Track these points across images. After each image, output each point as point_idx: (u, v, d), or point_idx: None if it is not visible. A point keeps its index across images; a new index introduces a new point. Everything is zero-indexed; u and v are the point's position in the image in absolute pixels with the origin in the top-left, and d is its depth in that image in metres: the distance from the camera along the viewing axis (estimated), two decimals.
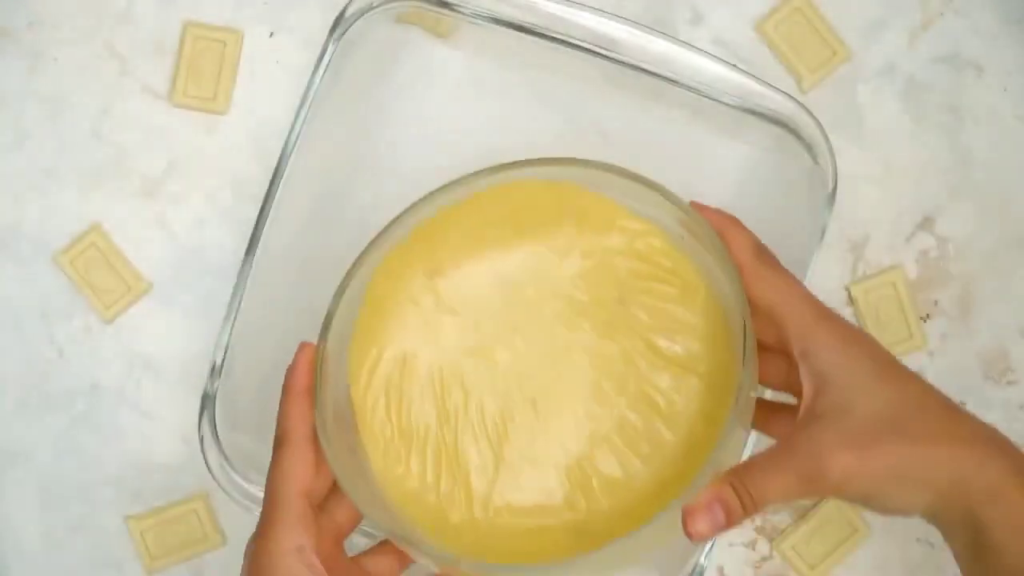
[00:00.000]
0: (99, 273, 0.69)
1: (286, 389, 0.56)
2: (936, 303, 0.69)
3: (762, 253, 0.55)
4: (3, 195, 0.70)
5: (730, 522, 0.51)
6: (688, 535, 0.51)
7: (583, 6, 0.64)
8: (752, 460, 0.52)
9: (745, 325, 0.53)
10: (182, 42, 0.69)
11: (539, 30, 0.64)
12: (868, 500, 0.51)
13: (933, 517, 0.52)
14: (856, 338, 0.53)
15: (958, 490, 0.50)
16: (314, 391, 0.56)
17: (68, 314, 0.70)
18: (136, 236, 0.70)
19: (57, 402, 0.70)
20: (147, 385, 0.70)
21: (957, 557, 0.53)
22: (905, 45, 0.70)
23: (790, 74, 0.69)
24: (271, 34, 0.70)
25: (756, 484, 0.51)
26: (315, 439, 0.55)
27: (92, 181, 0.70)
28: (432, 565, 0.55)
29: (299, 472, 0.54)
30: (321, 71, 0.64)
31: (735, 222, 0.56)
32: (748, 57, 0.69)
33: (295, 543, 0.53)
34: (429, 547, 0.55)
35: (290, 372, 0.56)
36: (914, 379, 0.53)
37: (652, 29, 0.64)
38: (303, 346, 0.57)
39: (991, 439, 0.52)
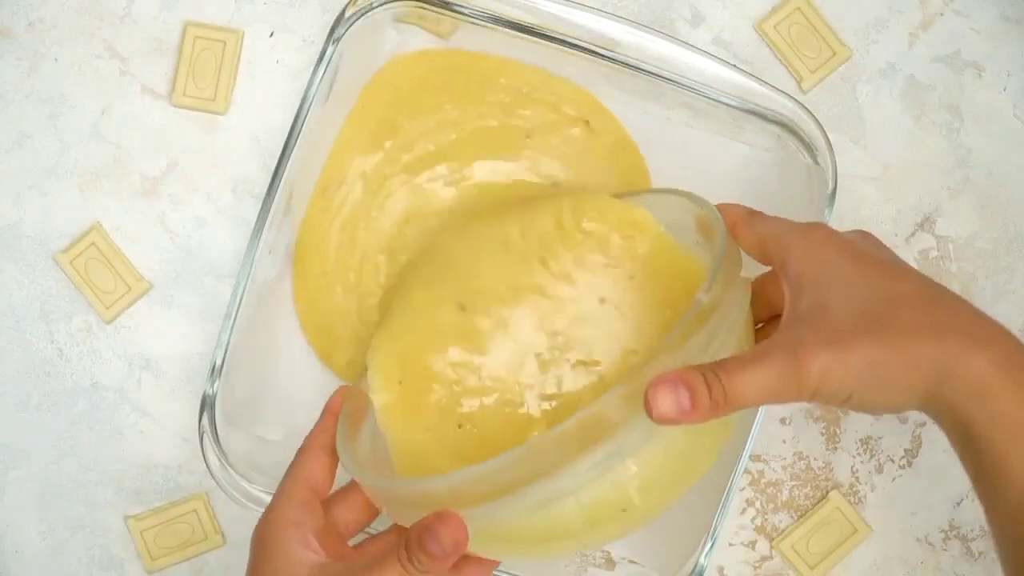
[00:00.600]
0: (99, 273, 0.69)
1: (324, 410, 0.61)
2: None
3: (753, 212, 0.57)
4: (3, 195, 0.70)
5: (695, 411, 0.49)
6: (648, 412, 0.49)
7: (583, 6, 0.64)
8: (729, 358, 0.50)
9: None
10: (182, 42, 0.69)
11: (539, 30, 0.64)
12: (850, 400, 0.50)
13: (921, 410, 0.50)
14: (832, 238, 0.53)
15: (940, 386, 0.49)
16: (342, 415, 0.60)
17: (68, 314, 0.70)
18: (136, 236, 0.70)
19: (57, 402, 0.70)
20: (147, 385, 0.70)
21: (953, 446, 0.51)
22: (905, 45, 0.70)
23: (790, 74, 0.69)
24: (271, 34, 0.70)
25: (731, 379, 0.49)
26: (333, 451, 0.58)
27: (92, 181, 0.70)
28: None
29: (311, 469, 0.58)
30: (321, 71, 0.64)
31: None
32: (748, 57, 0.69)
33: (294, 518, 0.55)
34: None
35: (329, 402, 0.61)
36: (896, 272, 0.52)
37: (652, 29, 0.64)
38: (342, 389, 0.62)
39: (974, 328, 0.50)
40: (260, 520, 0.56)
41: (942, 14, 0.70)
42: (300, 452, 0.59)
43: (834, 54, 0.69)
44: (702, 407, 0.49)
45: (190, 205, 0.70)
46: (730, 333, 0.53)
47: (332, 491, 0.59)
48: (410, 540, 0.52)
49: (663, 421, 0.49)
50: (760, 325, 0.58)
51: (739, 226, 0.56)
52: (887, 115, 0.70)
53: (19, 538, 0.70)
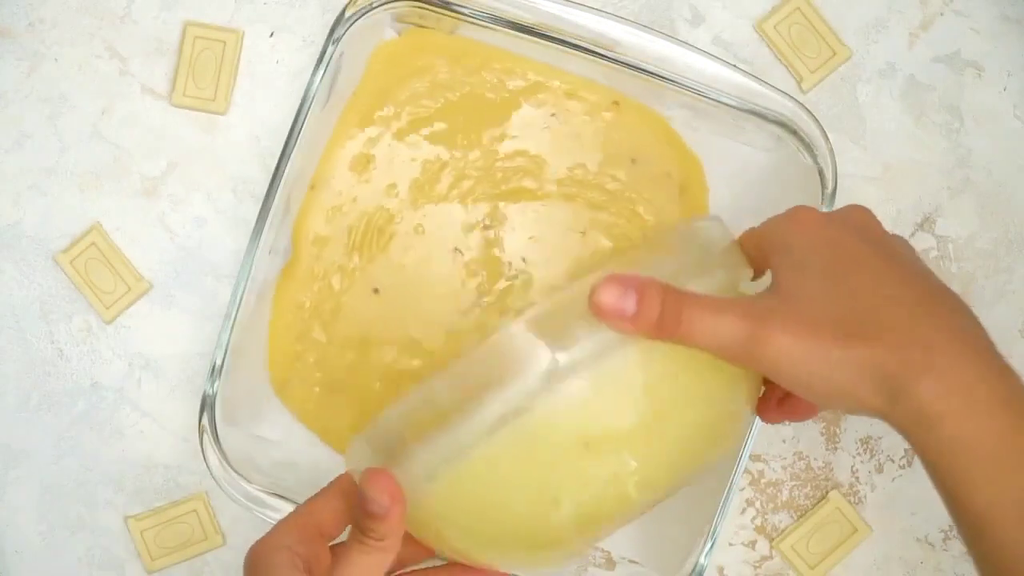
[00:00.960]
0: (99, 273, 0.69)
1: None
2: None
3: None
4: (3, 195, 0.70)
5: (637, 318, 0.48)
6: (590, 299, 0.48)
7: (583, 6, 0.64)
8: (696, 293, 0.50)
9: None
10: (182, 42, 0.69)
11: (539, 30, 0.64)
12: (799, 389, 0.49)
13: (882, 419, 0.50)
14: (824, 226, 0.52)
15: (892, 405, 0.48)
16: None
17: (68, 314, 0.70)
18: (136, 236, 0.70)
19: (57, 402, 0.70)
20: (147, 385, 0.70)
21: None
22: (905, 45, 0.70)
23: (790, 74, 0.69)
24: (271, 34, 0.70)
25: (691, 311, 0.49)
26: (349, 496, 0.56)
27: (92, 181, 0.70)
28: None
29: (319, 506, 0.56)
30: (321, 71, 0.64)
31: None
32: (748, 57, 0.69)
33: (287, 543, 0.53)
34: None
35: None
36: (883, 271, 0.51)
37: (652, 29, 0.64)
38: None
39: (942, 345, 0.48)
40: (255, 543, 0.55)
41: (942, 14, 0.70)
42: (319, 491, 0.56)
43: (834, 54, 0.69)
44: (645, 318, 0.48)
45: (190, 205, 0.70)
46: (708, 283, 0.52)
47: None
48: (354, 516, 0.51)
49: (598, 312, 0.48)
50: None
51: (746, 233, 0.56)
52: (887, 115, 0.70)
53: (19, 538, 0.70)
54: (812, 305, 0.49)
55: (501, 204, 0.67)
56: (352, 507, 0.54)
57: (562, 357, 0.49)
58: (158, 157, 0.70)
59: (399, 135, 0.67)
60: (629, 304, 0.48)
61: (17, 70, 0.70)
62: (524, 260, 0.67)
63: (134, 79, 0.70)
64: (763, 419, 0.56)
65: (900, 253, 0.53)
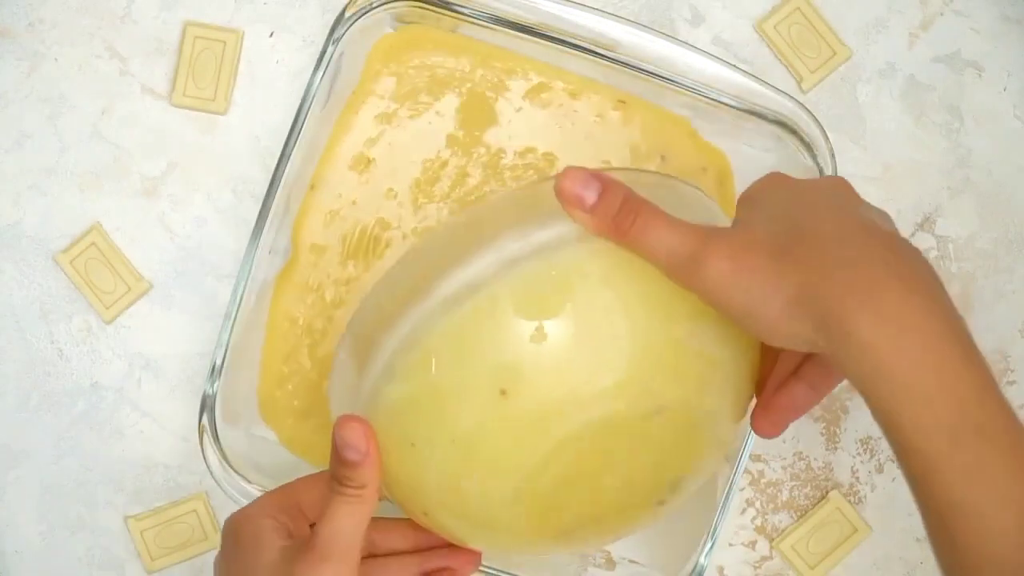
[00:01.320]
0: (99, 273, 0.69)
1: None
2: None
3: None
4: (3, 195, 0.70)
5: (596, 209, 0.48)
6: (556, 184, 0.49)
7: (583, 6, 0.64)
8: (655, 206, 0.49)
9: None
10: (182, 42, 0.69)
11: (539, 30, 0.64)
12: (739, 316, 0.48)
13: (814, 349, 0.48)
14: (787, 179, 0.52)
15: (818, 333, 0.46)
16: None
17: (68, 314, 0.70)
18: (136, 236, 0.70)
19: (57, 402, 0.70)
20: (147, 385, 0.70)
21: None
22: (905, 45, 0.70)
23: (790, 74, 0.69)
24: (271, 34, 0.70)
25: (647, 219, 0.48)
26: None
27: (92, 181, 0.70)
28: None
29: (304, 486, 0.56)
30: (321, 71, 0.64)
31: None
32: (748, 57, 0.69)
33: (271, 512, 0.54)
34: None
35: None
36: (832, 211, 0.49)
37: (652, 29, 0.64)
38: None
39: (886, 280, 0.46)
40: (234, 512, 0.55)
41: (942, 14, 0.70)
42: (306, 475, 0.57)
43: (834, 54, 0.69)
44: (602, 212, 0.49)
45: (190, 205, 0.70)
46: None
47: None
48: (332, 467, 0.51)
49: (560, 195, 0.49)
50: None
51: None
52: (887, 115, 0.70)
53: (19, 538, 0.70)
54: (755, 230, 0.48)
55: None
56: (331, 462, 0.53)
57: (516, 243, 0.49)
58: (158, 157, 0.70)
59: (399, 134, 0.67)
60: (591, 194, 0.49)
61: (17, 70, 0.70)
62: None
63: (134, 79, 0.70)
64: (756, 430, 0.55)
65: (864, 213, 0.50)
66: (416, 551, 0.58)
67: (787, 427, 0.55)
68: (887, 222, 0.51)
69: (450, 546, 0.57)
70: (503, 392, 0.49)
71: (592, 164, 0.66)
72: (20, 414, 0.70)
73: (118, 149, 0.70)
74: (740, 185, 0.67)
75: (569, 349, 0.49)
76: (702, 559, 0.63)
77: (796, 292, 0.46)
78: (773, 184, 0.52)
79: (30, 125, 0.70)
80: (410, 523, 0.56)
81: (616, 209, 0.49)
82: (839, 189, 0.52)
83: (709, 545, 0.63)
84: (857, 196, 0.52)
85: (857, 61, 0.70)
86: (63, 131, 0.70)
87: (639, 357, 0.50)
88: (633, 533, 0.58)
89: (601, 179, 0.49)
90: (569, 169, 0.49)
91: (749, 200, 0.52)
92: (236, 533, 0.54)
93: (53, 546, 0.70)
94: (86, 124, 0.70)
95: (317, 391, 0.66)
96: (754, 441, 0.62)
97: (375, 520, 0.54)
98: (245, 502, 0.63)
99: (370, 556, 0.57)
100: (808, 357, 0.53)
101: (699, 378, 0.51)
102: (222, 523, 0.69)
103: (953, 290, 0.69)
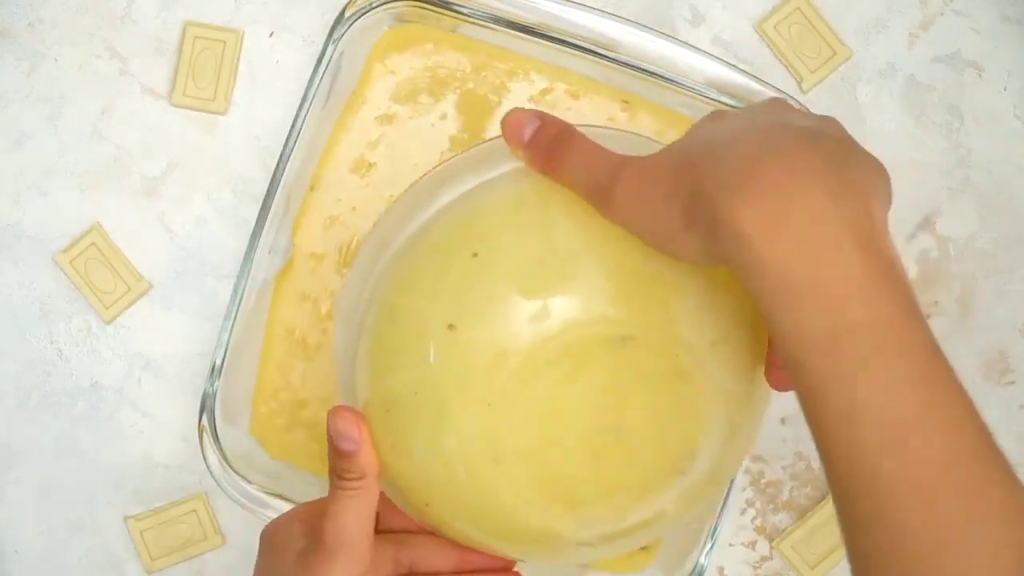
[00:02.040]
0: (99, 273, 0.69)
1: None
2: (936, 303, 0.69)
3: None
4: (3, 195, 0.70)
5: (530, 146, 0.49)
6: (500, 121, 0.50)
7: (583, 6, 0.64)
8: (595, 142, 0.48)
9: None
10: (182, 42, 0.69)
11: (539, 30, 0.64)
12: (651, 240, 0.45)
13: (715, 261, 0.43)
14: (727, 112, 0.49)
15: (709, 237, 0.42)
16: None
17: (68, 314, 0.70)
18: (136, 236, 0.70)
19: (57, 402, 0.70)
20: (147, 385, 0.70)
21: None
22: (905, 45, 0.70)
23: (790, 74, 0.69)
24: (271, 34, 0.70)
25: (572, 149, 0.48)
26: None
27: (92, 181, 0.70)
28: None
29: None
30: (321, 71, 0.64)
31: None
32: (748, 57, 0.69)
33: (301, 516, 0.54)
34: None
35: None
36: (759, 122, 0.44)
37: (652, 29, 0.64)
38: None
39: (781, 177, 0.41)
40: (269, 523, 0.55)
41: (942, 14, 0.70)
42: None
43: (834, 54, 0.69)
44: (535, 145, 0.49)
45: (190, 205, 0.70)
46: None
47: None
48: (330, 461, 0.51)
49: (503, 130, 0.50)
50: None
51: None
52: (887, 115, 0.70)
53: (19, 538, 0.70)
54: (670, 152, 0.46)
55: None
56: (328, 453, 0.52)
57: (469, 183, 0.51)
58: (158, 157, 0.70)
59: (400, 136, 0.67)
60: (528, 129, 0.49)
61: (17, 70, 0.70)
62: None
63: (134, 79, 0.70)
64: (771, 383, 0.51)
65: (782, 118, 0.45)
66: (457, 573, 0.57)
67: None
68: (830, 125, 0.45)
69: (491, 563, 0.56)
70: (451, 327, 0.48)
71: None
72: (20, 414, 0.70)
73: (118, 149, 0.70)
74: None
75: (508, 272, 0.48)
76: (702, 559, 0.63)
77: (688, 201, 0.43)
78: (710, 115, 0.49)
79: (30, 125, 0.70)
80: (450, 543, 0.55)
81: (548, 142, 0.49)
82: (772, 105, 0.47)
83: (709, 545, 0.63)
84: (791, 109, 0.47)
85: (857, 61, 0.70)
86: (63, 131, 0.70)
87: (582, 280, 0.48)
88: (663, 520, 0.53)
89: (542, 117, 0.50)
90: (515, 109, 0.50)
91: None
92: (268, 539, 0.55)
93: (53, 546, 0.70)
94: (86, 124, 0.70)
95: (303, 408, 0.66)
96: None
97: (414, 538, 0.55)
98: (245, 502, 0.64)
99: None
100: None
101: (662, 303, 0.48)
102: (222, 523, 0.69)
103: (953, 290, 0.69)
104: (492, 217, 0.49)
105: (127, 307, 0.70)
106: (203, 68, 0.69)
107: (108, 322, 0.70)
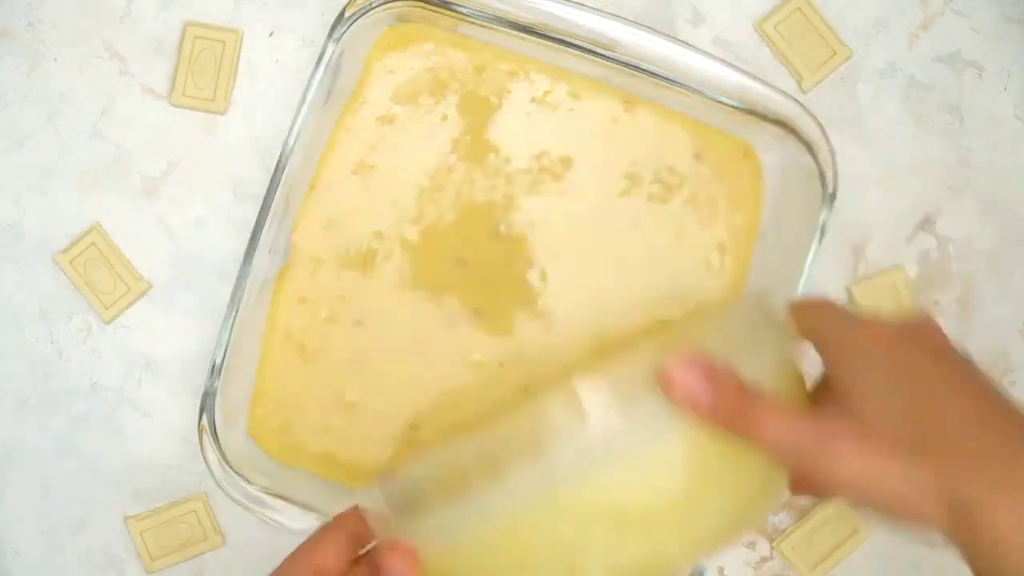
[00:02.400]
0: (99, 273, 0.69)
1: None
2: (936, 303, 0.69)
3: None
4: (3, 195, 0.70)
5: (714, 411, 0.47)
6: (664, 383, 0.47)
7: (583, 6, 0.64)
8: (769, 397, 0.49)
9: None
10: (182, 42, 0.69)
11: (539, 30, 0.64)
12: (872, 507, 0.48)
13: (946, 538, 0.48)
14: (884, 333, 0.50)
15: (957, 525, 0.47)
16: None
17: (68, 314, 0.70)
18: (136, 236, 0.70)
19: (57, 402, 0.70)
20: (147, 385, 0.70)
21: None
22: (905, 45, 0.70)
23: (790, 74, 0.69)
24: (271, 34, 0.70)
25: (762, 413, 0.48)
26: (354, 537, 0.54)
27: (92, 181, 0.70)
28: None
29: (324, 549, 0.54)
30: (321, 71, 0.64)
31: None
32: (748, 57, 0.69)
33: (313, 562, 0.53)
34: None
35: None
36: (945, 388, 0.49)
37: (652, 29, 0.64)
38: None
39: (1015, 464, 0.46)
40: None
41: (942, 14, 0.70)
42: (320, 528, 0.54)
43: (834, 54, 0.69)
44: (720, 411, 0.48)
45: (190, 205, 0.70)
46: (760, 360, 0.51)
47: None
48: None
49: (669, 390, 0.47)
50: None
51: (796, 304, 0.54)
52: (887, 115, 0.70)
53: (19, 538, 0.70)
54: (878, 419, 0.48)
55: (523, 208, 0.67)
56: (354, 545, 0.52)
57: (601, 430, 0.47)
58: (158, 157, 0.70)
59: (401, 137, 0.67)
60: (704, 394, 0.48)
61: (17, 70, 0.70)
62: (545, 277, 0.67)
63: (134, 79, 0.70)
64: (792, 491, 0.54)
65: (964, 368, 0.50)
66: None
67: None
68: (973, 365, 0.50)
69: None
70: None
71: (616, 167, 0.66)
72: (20, 414, 0.70)
73: (118, 149, 0.70)
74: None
75: (648, 534, 0.48)
76: (702, 559, 0.63)
77: (927, 484, 0.46)
78: (869, 336, 0.50)
79: (30, 125, 0.70)
80: None
81: (731, 406, 0.48)
82: (933, 338, 0.51)
83: None
84: (947, 341, 0.51)
85: (857, 61, 0.70)
86: (63, 131, 0.70)
87: (725, 522, 0.49)
88: None
89: (708, 373, 0.48)
90: (676, 367, 0.48)
91: (849, 365, 0.50)
92: None
93: (53, 546, 0.70)
94: (86, 124, 0.70)
95: (300, 411, 0.67)
96: None
97: None
98: (245, 502, 0.64)
99: None
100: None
101: (769, 506, 0.51)
102: (222, 523, 0.69)
103: (953, 290, 0.69)
104: None
105: (127, 307, 0.70)
106: (203, 68, 0.69)
107: (108, 322, 0.70)
